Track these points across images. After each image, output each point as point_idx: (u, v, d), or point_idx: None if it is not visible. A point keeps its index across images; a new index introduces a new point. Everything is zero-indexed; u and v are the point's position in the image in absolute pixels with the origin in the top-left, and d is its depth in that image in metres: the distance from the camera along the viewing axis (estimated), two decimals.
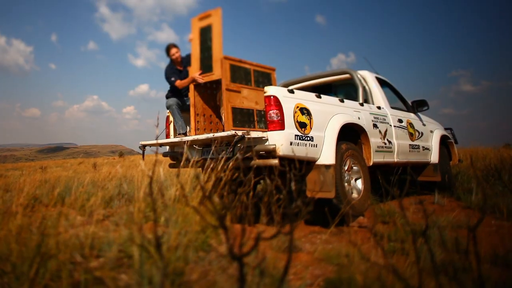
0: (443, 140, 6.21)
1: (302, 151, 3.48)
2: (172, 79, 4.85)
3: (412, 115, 5.74)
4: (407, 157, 5.13)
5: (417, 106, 5.87)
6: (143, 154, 4.55)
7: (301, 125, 3.53)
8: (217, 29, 4.28)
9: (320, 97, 3.93)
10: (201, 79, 4.45)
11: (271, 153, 3.35)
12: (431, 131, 6.04)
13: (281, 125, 3.38)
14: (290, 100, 3.53)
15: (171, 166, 4.58)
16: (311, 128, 3.62)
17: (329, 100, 4.05)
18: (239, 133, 3.20)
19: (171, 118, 4.82)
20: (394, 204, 4.54)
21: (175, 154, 4.46)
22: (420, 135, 5.63)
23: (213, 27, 4.33)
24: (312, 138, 3.60)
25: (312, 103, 3.76)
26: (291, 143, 3.39)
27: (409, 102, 5.91)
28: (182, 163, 3.31)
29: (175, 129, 4.78)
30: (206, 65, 4.43)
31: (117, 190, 5.00)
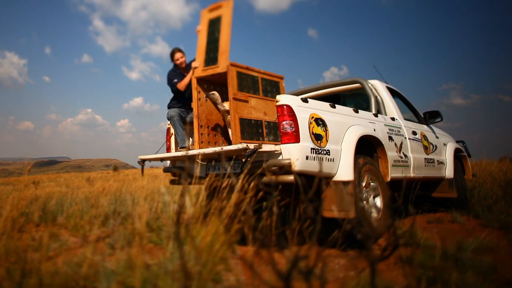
0: (456, 154, 5.91)
1: (318, 166, 3.15)
2: (175, 80, 4.50)
3: (425, 127, 5.46)
4: (423, 172, 4.82)
5: (429, 118, 5.59)
6: (142, 169, 4.19)
7: (317, 138, 3.20)
8: (226, 21, 3.98)
9: (334, 107, 3.62)
10: (196, 63, 4.16)
11: (285, 169, 3.01)
12: (444, 144, 5.74)
13: (295, 138, 3.05)
14: (304, 110, 3.22)
15: (172, 182, 4.22)
16: (327, 141, 3.29)
17: (343, 111, 3.74)
18: (251, 146, 2.87)
19: (172, 130, 4.46)
20: (410, 222, 4.22)
21: (177, 170, 4.09)
22: (434, 148, 5.33)
23: (222, 18, 4.04)
24: (329, 152, 3.27)
25: (327, 114, 3.45)
26: (307, 157, 3.06)
27: (421, 113, 5.64)
28: (193, 180, 2.95)
29: (176, 142, 4.43)
30: (211, 57, 4.10)
31: (112, 208, 4.67)
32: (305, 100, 3.30)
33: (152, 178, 10.33)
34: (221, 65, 3.87)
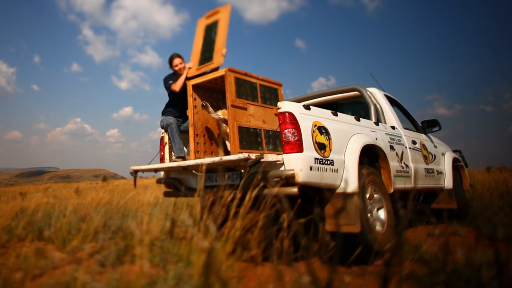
0: (454, 163, 5.78)
1: (322, 177, 2.98)
2: (170, 82, 4.34)
3: (423, 136, 5.34)
4: (424, 182, 4.67)
5: (427, 127, 5.47)
6: (134, 181, 3.97)
7: (320, 147, 3.03)
8: (223, 24, 3.90)
9: (336, 115, 3.46)
10: (190, 64, 4.10)
11: (288, 180, 2.83)
12: (443, 154, 5.62)
13: (299, 147, 2.87)
14: (307, 118, 3.05)
15: (166, 194, 4.00)
16: (330, 150, 3.12)
17: (345, 119, 3.58)
18: (253, 156, 2.68)
19: (166, 139, 4.24)
20: (411, 235, 4.07)
21: (171, 181, 3.87)
22: (433, 158, 5.20)
23: (219, 22, 3.95)
24: (333, 162, 3.09)
25: (329, 122, 3.28)
26: (311, 168, 2.87)
27: (419, 122, 5.52)
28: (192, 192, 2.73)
29: (170, 152, 4.22)
30: (206, 57, 4.01)
31: (102, 221, 4.46)
32: (307, 107, 3.13)
33: (143, 189, 10.09)
34: (216, 61, 3.74)
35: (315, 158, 2.94)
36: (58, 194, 14.30)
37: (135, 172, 3.80)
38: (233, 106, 3.39)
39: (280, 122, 2.94)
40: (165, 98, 4.52)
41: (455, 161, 5.82)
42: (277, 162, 2.90)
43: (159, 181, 4.02)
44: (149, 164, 3.93)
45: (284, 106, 2.97)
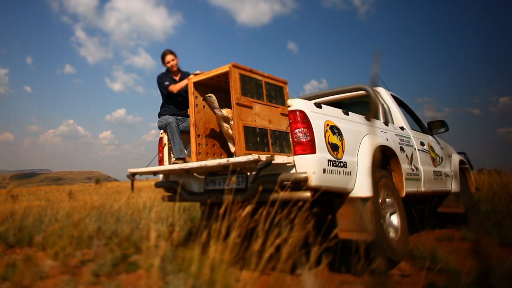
0: (460, 166, 5.61)
1: (335, 180, 2.75)
2: (166, 83, 4.20)
3: (430, 137, 5.15)
4: (432, 185, 4.47)
5: (434, 128, 5.29)
6: (132, 184, 3.72)
7: (333, 148, 2.80)
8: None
9: (347, 114, 3.25)
10: (197, 72, 3.86)
11: (299, 184, 2.60)
12: (449, 156, 5.44)
13: (311, 148, 2.64)
14: (319, 117, 2.82)
15: (166, 199, 3.73)
16: (343, 152, 2.89)
17: (356, 118, 3.37)
18: (263, 157, 2.45)
19: (165, 140, 4.00)
20: (420, 241, 3.89)
21: (171, 185, 3.61)
22: (441, 160, 5.02)
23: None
24: (346, 164, 2.86)
25: (341, 121, 3.06)
26: (324, 171, 2.64)
27: (425, 123, 5.35)
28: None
29: (169, 154, 3.99)
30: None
31: (96, 225, 4.25)
32: (318, 106, 2.90)
33: (137, 192, 9.84)
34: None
35: (328, 160, 2.72)
36: (50, 196, 14.03)
37: (133, 175, 3.56)
38: (238, 104, 3.15)
39: (290, 121, 2.72)
40: (158, 100, 4.35)
41: (461, 163, 5.65)
42: (288, 164, 2.68)
43: (157, 184, 3.77)
44: (147, 166, 3.70)
45: (295, 104, 2.74)
